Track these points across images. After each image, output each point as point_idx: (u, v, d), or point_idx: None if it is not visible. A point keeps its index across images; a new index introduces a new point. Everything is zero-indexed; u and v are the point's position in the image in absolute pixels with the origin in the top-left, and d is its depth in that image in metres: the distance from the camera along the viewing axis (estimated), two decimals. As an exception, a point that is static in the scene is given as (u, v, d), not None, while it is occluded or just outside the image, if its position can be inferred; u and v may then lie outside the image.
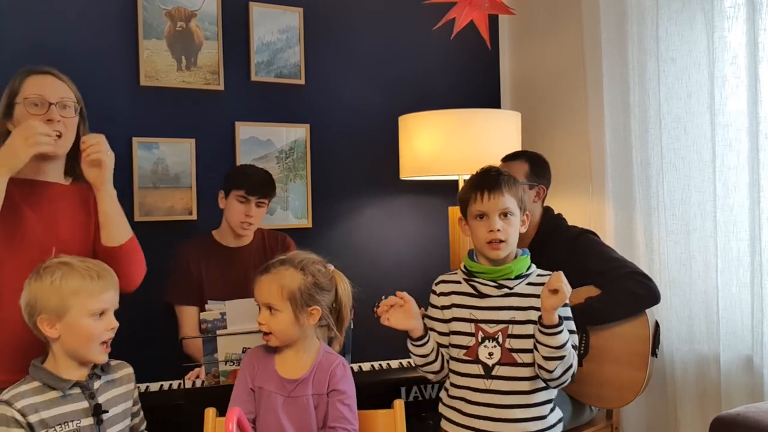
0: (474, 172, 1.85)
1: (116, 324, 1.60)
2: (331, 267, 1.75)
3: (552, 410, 1.79)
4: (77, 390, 1.57)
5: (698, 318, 2.42)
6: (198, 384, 2.07)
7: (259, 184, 2.42)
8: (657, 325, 2.17)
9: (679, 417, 2.46)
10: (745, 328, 2.28)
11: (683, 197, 2.46)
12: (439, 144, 2.66)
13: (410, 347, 1.80)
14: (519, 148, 2.76)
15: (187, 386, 2.02)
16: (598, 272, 2.17)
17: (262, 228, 2.61)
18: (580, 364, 2.17)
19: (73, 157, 1.86)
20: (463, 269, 1.84)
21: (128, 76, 2.74)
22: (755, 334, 2.22)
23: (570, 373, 1.71)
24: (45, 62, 2.51)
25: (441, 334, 1.82)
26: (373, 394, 1.86)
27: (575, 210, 2.86)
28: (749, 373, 2.26)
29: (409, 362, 2.28)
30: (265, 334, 1.66)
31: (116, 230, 1.80)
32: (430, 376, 1.85)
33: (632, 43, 2.61)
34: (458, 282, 1.83)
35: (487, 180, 1.77)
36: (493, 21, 3.29)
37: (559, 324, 1.65)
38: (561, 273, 1.64)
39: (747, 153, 2.26)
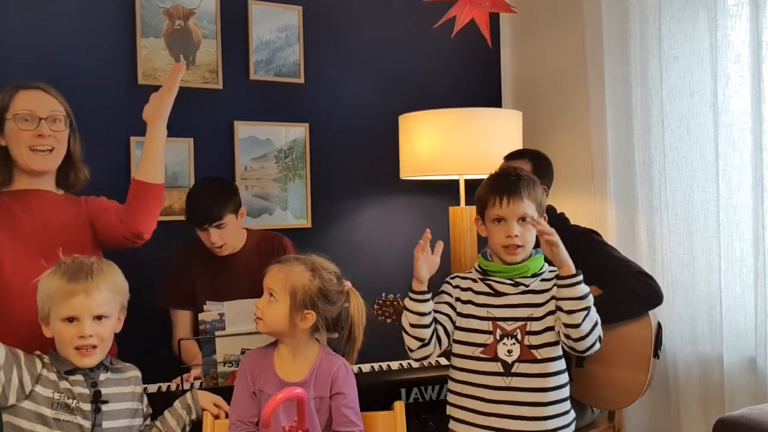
0: (493, 172, 1.83)
1: (86, 333, 1.55)
2: (348, 284, 1.75)
3: (571, 406, 1.78)
4: (80, 377, 1.58)
5: (701, 319, 2.40)
6: (197, 385, 2.05)
7: (202, 216, 2.30)
8: (659, 327, 2.15)
9: (681, 418, 2.45)
10: (748, 329, 2.26)
11: (686, 197, 2.45)
12: (439, 143, 2.65)
13: (409, 304, 1.73)
14: (520, 148, 2.74)
15: (185, 388, 2.00)
16: (602, 272, 2.16)
17: (259, 231, 2.57)
18: (581, 365, 2.16)
19: (65, 170, 1.89)
20: (478, 269, 1.84)
21: (126, 74, 2.72)
22: (759, 335, 2.21)
23: (598, 331, 1.69)
24: (42, 61, 2.50)
25: (444, 314, 1.80)
26: (373, 395, 1.84)
27: (577, 210, 2.85)
28: (753, 374, 2.24)
29: (410, 363, 2.26)
30: (256, 318, 1.67)
31: (156, 168, 1.85)
32: (415, 344, 1.74)
33: (634, 41, 2.60)
34: (474, 281, 1.83)
35: (508, 184, 1.75)
36: (494, 19, 3.28)
37: (578, 274, 1.66)
38: (545, 226, 1.67)
39: (750, 152, 2.25)
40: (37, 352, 1.60)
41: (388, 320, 2.45)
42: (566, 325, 1.67)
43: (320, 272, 1.67)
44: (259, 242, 2.49)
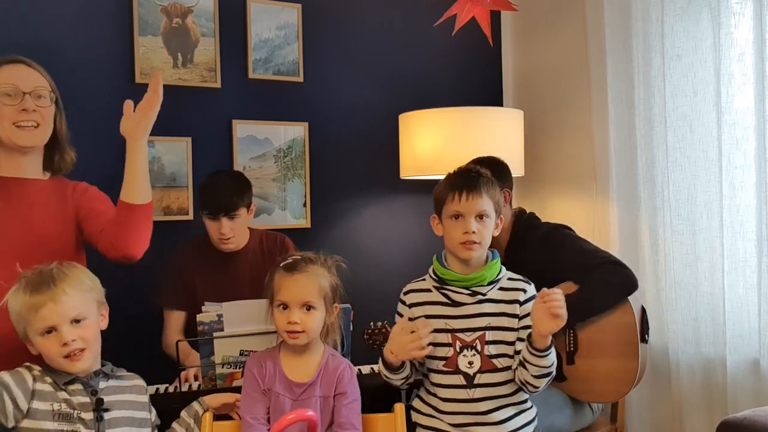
0: (451, 171, 1.83)
1: (68, 339, 1.50)
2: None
3: (531, 403, 1.81)
4: (79, 386, 1.55)
5: (704, 320, 2.39)
6: (194, 387, 2.04)
7: (219, 205, 2.29)
8: (643, 311, 2.15)
9: (684, 420, 2.43)
10: (752, 330, 2.25)
11: (689, 197, 2.43)
12: (440, 143, 2.63)
13: (387, 374, 1.76)
14: (521, 147, 2.74)
15: (183, 389, 1.98)
16: (573, 265, 2.17)
17: (260, 230, 2.56)
18: (572, 361, 2.17)
19: (52, 149, 1.83)
20: (433, 275, 1.81)
21: (123, 73, 2.70)
22: (762, 336, 2.20)
23: (548, 381, 1.73)
24: (39, 59, 2.47)
25: None
26: (374, 397, 1.83)
27: (579, 210, 2.83)
28: (756, 376, 2.23)
29: (409, 365, 2.25)
30: (294, 332, 1.64)
31: (141, 188, 1.73)
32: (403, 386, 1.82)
33: (637, 39, 2.58)
34: (428, 290, 1.80)
35: (466, 180, 1.76)
36: (495, 17, 3.26)
37: (551, 345, 1.66)
38: (560, 293, 1.62)
39: (754, 152, 2.24)
40: (26, 363, 1.55)
41: (383, 347, 2.41)
42: (527, 382, 1.70)
43: (332, 266, 1.71)
44: (262, 241, 2.49)
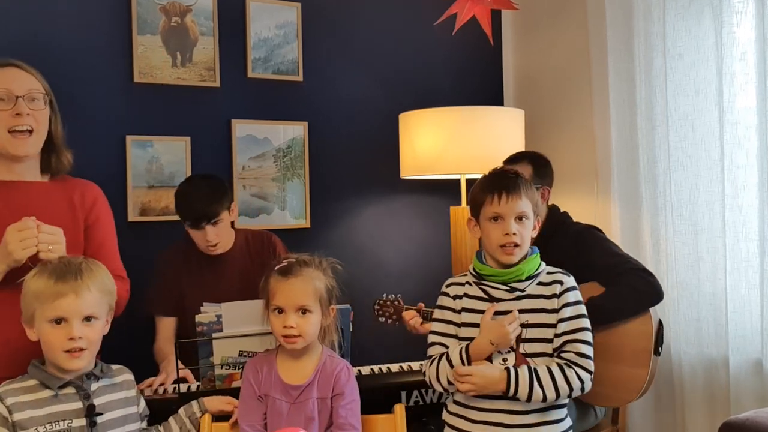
0: (488, 172, 1.81)
1: (75, 334, 1.49)
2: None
3: (567, 414, 1.76)
4: (72, 390, 1.53)
5: (706, 320, 2.38)
6: (193, 388, 2.02)
7: (200, 214, 2.24)
8: (660, 324, 2.13)
9: (686, 421, 2.43)
10: (754, 330, 2.24)
11: (691, 197, 2.42)
12: (440, 142, 2.62)
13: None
14: (522, 147, 2.72)
15: (181, 390, 1.97)
16: (601, 267, 2.15)
17: (245, 229, 2.53)
18: None
19: (48, 151, 1.80)
20: (472, 272, 1.80)
21: (122, 72, 2.69)
22: (765, 337, 2.19)
23: (574, 392, 1.69)
24: (37, 58, 2.46)
25: (450, 336, 1.77)
26: (374, 398, 1.82)
27: (580, 210, 2.82)
28: (758, 377, 2.22)
29: (410, 366, 2.24)
30: (291, 337, 1.64)
31: None
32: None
33: (638, 38, 2.57)
34: (469, 284, 1.79)
35: (506, 182, 1.74)
36: (496, 16, 3.25)
37: (506, 392, 1.65)
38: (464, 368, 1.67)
39: (756, 151, 2.23)
40: None
41: (389, 321, 2.42)
42: None
43: (327, 268, 1.70)
44: (248, 240, 2.46)
